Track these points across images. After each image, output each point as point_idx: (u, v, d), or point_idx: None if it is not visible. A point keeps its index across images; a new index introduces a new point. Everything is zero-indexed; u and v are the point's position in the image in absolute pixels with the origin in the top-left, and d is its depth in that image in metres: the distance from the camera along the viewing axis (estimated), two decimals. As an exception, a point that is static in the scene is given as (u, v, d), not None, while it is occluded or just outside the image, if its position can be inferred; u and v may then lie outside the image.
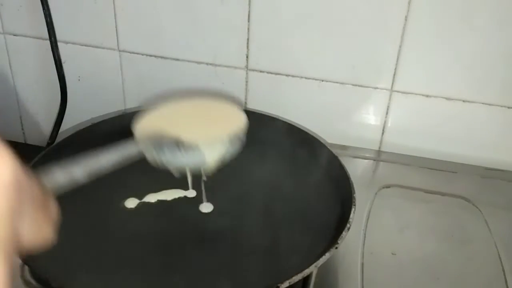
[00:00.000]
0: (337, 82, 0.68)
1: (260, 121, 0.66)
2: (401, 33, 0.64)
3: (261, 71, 0.70)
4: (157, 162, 0.47)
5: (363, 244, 0.55)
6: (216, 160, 0.49)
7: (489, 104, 0.66)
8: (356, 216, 0.50)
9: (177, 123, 0.51)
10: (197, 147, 0.48)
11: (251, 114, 0.68)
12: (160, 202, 0.57)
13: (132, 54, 0.73)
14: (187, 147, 0.47)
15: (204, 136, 0.49)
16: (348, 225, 0.49)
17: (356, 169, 0.68)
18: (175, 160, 0.48)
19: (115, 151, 0.41)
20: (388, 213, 0.61)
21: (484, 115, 0.67)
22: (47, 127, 0.75)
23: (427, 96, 0.67)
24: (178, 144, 0.47)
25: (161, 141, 0.47)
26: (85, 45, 0.73)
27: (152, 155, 0.47)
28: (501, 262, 0.54)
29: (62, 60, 0.73)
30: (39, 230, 0.24)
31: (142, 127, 0.50)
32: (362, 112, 0.70)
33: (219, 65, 0.71)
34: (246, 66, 0.70)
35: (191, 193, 0.57)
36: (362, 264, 0.53)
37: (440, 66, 0.65)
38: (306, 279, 0.50)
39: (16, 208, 0.21)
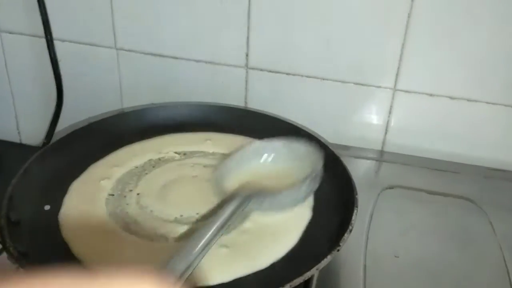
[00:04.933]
0: (338, 81, 0.68)
1: (260, 121, 0.66)
2: (404, 31, 0.63)
3: (261, 70, 0.70)
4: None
5: (366, 246, 0.55)
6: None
7: (494, 103, 0.66)
8: (359, 218, 0.50)
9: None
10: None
11: (251, 114, 0.68)
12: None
13: (130, 52, 0.72)
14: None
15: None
16: (350, 227, 0.49)
17: (358, 169, 0.67)
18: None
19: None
20: (391, 214, 0.60)
21: (488, 114, 0.66)
22: (43, 126, 0.75)
23: (430, 95, 0.67)
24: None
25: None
26: (82, 43, 0.73)
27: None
28: (505, 263, 0.54)
29: (58, 59, 0.72)
30: None
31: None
32: (365, 111, 0.70)
33: (219, 64, 0.70)
34: (246, 65, 0.70)
35: None
36: (365, 267, 0.52)
37: (443, 64, 0.65)
38: (308, 282, 0.49)
39: None
